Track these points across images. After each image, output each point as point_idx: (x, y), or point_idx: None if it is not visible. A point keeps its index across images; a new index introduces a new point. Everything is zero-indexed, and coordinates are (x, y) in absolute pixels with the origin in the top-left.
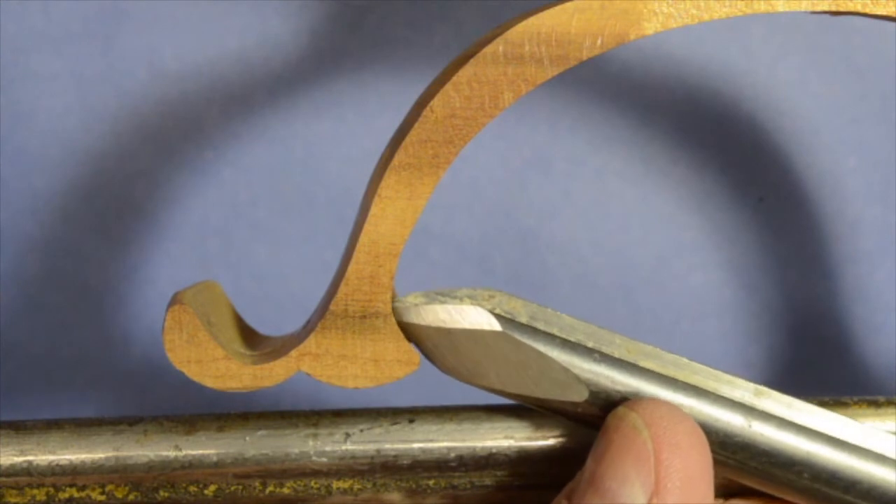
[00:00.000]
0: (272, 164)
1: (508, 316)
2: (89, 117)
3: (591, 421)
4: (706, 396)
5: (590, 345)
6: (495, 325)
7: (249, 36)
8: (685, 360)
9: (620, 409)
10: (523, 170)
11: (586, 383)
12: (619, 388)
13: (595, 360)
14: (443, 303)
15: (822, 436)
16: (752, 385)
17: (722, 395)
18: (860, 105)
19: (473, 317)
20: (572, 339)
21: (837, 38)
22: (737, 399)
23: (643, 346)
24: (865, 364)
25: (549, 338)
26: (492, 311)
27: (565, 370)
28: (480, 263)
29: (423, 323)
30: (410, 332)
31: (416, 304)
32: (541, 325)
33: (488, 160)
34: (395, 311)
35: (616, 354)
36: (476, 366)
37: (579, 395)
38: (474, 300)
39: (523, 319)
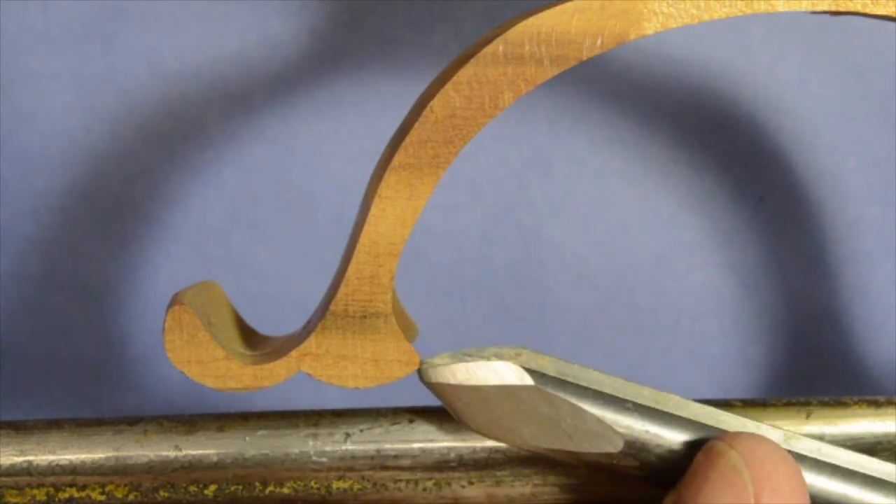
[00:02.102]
0: (272, 164)
1: (538, 369)
2: (89, 117)
3: (627, 472)
4: None
5: (620, 395)
6: (527, 380)
7: (249, 36)
8: (712, 409)
9: (719, 445)
10: (523, 170)
11: (621, 434)
12: (654, 437)
13: (628, 409)
14: (471, 361)
15: (856, 475)
16: (780, 431)
17: None
18: (860, 105)
19: (504, 373)
20: (602, 390)
21: (837, 38)
22: None
23: (671, 396)
24: (865, 364)
25: (581, 390)
26: (521, 365)
27: (599, 421)
28: (480, 263)
29: (453, 382)
30: (440, 393)
31: (445, 364)
32: (570, 379)
33: (488, 160)
34: (423, 372)
35: (647, 398)
36: (508, 423)
37: (614, 446)
38: (501, 358)
39: (552, 374)
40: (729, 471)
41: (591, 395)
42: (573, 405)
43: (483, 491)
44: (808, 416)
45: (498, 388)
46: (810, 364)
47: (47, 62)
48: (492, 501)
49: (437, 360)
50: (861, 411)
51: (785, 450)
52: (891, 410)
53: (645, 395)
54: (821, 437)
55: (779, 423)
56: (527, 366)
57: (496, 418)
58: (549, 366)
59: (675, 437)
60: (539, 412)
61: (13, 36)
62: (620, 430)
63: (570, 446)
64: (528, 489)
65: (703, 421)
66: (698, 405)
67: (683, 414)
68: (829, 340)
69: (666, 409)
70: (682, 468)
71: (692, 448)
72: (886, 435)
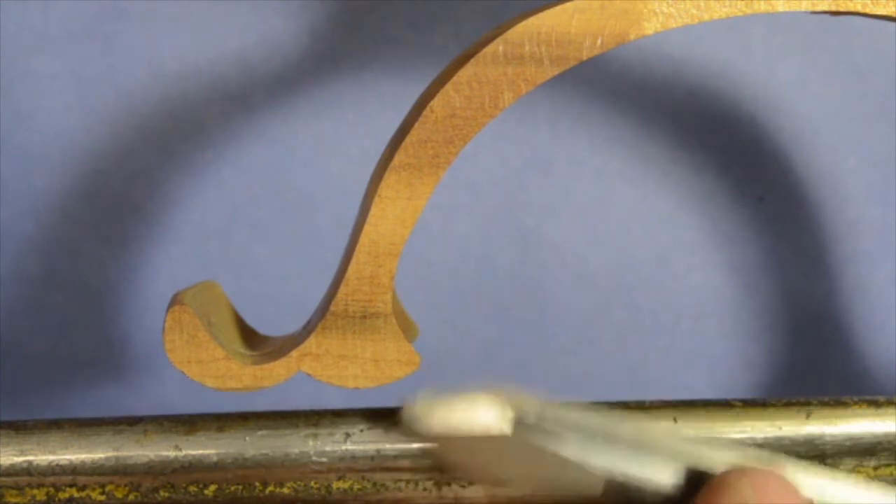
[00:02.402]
0: (272, 164)
1: (517, 416)
2: (89, 117)
3: None
4: None
5: (600, 437)
6: (506, 429)
7: (249, 36)
8: (702, 441)
9: (730, 477)
10: (523, 170)
11: (600, 477)
12: (632, 480)
13: (606, 453)
14: (451, 408)
15: None
16: (765, 455)
17: None
18: (860, 105)
19: (483, 421)
20: (582, 434)
21: (837, 38)
22: None
23: (653, 426)
24: (865, 364)
25: (559, 436)
26: (501, 413)
27: (578, 466)
28: (480, 263)
29: (433, 430)
30: (421, 439)
31: (426, 412)
32: (549, 425)
33: (488, 160)
34: (403, 421)
35: (627, 438)
36: (489, 467)
37: (595, 490)
38: (480, 401)
39: (531, 419)
40: (739, 503)
41: (570, 440)
42: (551, 453)
43: (484, 491)
44: (808, 416)
45: (477, 438)
46: (810, 364)
47: (47, 62)
48: (493, 501)
49: (417, 407)
50: (861, 411)
51: (794, 484)
52: (891, 410)
53: (626, 433)
54: (821, 437)
55: (779, 423)
56: (506, 410)
57: (478, 463)
58: (530, 408)
59: (655, 478)
60: (518, 459)
61: (13, 36)
62: (599, 474)
63: (552, 491)
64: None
65: (685, 458)
66: (683, 439)
67: (665, 451)
68: (829, 340)
69: (645, 449)
70: None
71: (672, 488)
72: (886, 435)
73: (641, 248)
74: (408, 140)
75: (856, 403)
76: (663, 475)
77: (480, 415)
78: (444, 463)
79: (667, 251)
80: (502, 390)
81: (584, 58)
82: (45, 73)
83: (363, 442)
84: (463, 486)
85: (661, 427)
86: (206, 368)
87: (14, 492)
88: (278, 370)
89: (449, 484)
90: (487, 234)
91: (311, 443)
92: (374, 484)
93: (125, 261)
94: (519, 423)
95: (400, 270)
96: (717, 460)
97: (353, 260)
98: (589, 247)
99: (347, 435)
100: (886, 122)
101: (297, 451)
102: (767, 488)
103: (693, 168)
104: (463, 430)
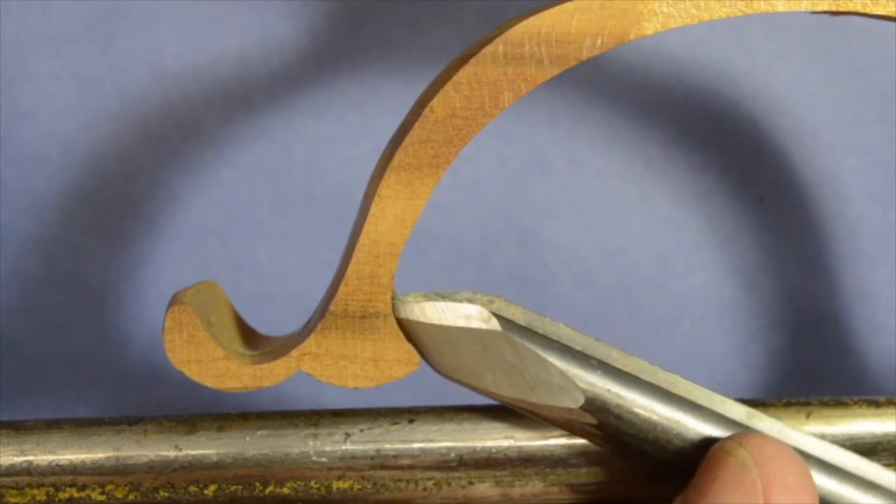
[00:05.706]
0: (272, 164)
1: (508, 317)
2: (89, 117)
3: (585, 430)
4: (700, 412)
5: (588, 352)
6: (494, 325)
7: (249, 36)
8: (680, 379)
9: (728, 443)
10: (523, 170)
11: (582, 390)
12: (615, 396)
13: (592, 367)
14: (443, 301)
15: (813, 459)
16: (744, 408)
17: (717, 411)
18: (860, 105)
19: (474, 316)
20: (570, 345)
21: (837, 38)
22: (730, 417)
23: (639, 361)
24: (865, 364)
25: (548, 342)
26: (491, 310)
27: (562, 375)
28: (480, 263)
29: (421, 320)
30: (408, 330)
31: (416, 302)
32: (539, 331)
33: (488, 160)
34: (393, 307)
35: (614, 360)
36: (472, 366)
37: (574, 402)
38: (473, 303)
39: (521, 323)
40: (738, 468)
41: (558, 348)
42: (538, 356)
43: (498, 490)
44: (808, 416)
45: (465, 330)
46: (810, 364)
47: (47, 62)
48: (506, 500)
49: (409, 298)
50: (861, 411)
51: (793, 449)
52: (891, 410)
53: (613, 357)
54: (821, 437)
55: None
56: (498, 313)
57: (462, 361)
58: (521, 315)
59: (636, 399)
60: (504, 359)
61: (13, 36)
62: (583, 385)
63: (531, 398)
64: (527, 489)
65: (668, 388)
66: (665, 373)
67: (648, 379)
68: (829, 340)
69: (631, 372)
70: (639, 432)
71: (653, 413)
72: (886, 435)
73: (641, 248)
74: (408, 140)
75: (856, 403)
76: (644, 398)
77: (471, 309)
78: (429, 357)
79: (667, 251)
80: (496, 297)
81: (584, 58)
82: (45, 73)
83: (363, 442)
84: (463, 487)
85: (646, 364)
86: (206, 368)
87: (14, 492)
88: (278, 370)
89: (449, 484)
90: (487, 234)
91: (311, 443)
92: (374, 484)
93: (125, 261)
94: (509, 322)
95: (400, 270)
96: (696, 396)
97: (353, 260)
98: (589, 247)
99: (347, 435)
100: (886, 122)
101: (297, 451)
102: (765, 452)
103: (693, 168)
104: (452, 322)
